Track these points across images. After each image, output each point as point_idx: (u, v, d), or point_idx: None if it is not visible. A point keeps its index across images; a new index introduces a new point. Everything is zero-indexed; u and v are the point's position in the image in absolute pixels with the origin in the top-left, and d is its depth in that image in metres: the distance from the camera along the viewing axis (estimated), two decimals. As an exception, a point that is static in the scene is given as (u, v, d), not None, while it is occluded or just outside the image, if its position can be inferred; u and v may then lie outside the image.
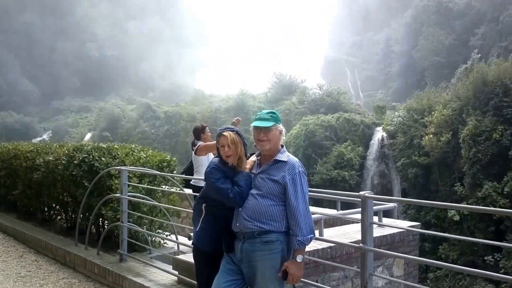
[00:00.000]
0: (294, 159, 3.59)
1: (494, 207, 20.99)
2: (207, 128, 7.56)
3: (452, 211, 22.63)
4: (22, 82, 57.10)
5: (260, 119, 3.54)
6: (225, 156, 3.50)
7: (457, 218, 22.62)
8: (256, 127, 3.53)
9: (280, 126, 3.62)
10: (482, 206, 21.72)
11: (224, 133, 3.53)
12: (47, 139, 44.85)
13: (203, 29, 78.44)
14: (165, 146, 39.69)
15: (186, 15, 77.58)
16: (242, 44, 76.20)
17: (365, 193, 3.28)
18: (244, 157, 3.57)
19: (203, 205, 3.52)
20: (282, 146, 3.69)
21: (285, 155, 3.58)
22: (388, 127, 29.30)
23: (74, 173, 6.53)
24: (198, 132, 7.39)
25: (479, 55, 27.66)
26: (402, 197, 26.46)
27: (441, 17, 47.40)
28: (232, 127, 3.62)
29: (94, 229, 6.71)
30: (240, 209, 3.37)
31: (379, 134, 30.07)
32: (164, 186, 6.38)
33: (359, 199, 3.34)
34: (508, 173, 22.42)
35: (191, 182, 7.02)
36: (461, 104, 25.77)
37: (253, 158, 3.76)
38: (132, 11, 69.64)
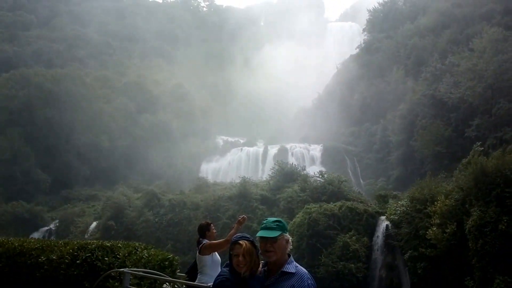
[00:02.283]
0: (303, 271, 3.40)
1: (507, 304, 19.56)
2: (212, 225, 7.35)
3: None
4: (35, 172, 57.84)
5: (266, 228, 3.40)
6: (237, 266, 3.32)
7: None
8: (262, 238, 3.38)
9: (287, 235, 3.48)
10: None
11: (240, 242, 3.38)
12: (53, 228, 44.18)
13: (209, 121, 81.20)
14: (168, 235, 38.77)
15: (194, 108, 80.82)
16: (245, 137, 78.17)
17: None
18: (257, 268, 3.38)
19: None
20: (289, 255, 3.52)
21: (293, 266, 3.40)
22: (392, 217, 28.53)
23: (75, 273, 6.28)
24: (203, 230, 7.15)
25: (482, 148, 27.77)
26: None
27: (436, 110, 48.63)
28: (248, 236, 3.46)
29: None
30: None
31: (383, 224, 29.15)
32: (165, 286, 6.08)
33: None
34: (519, 267, 21.29)
35: (195, 282, 6.63)
36: (463, 194, 25.13)
37: (260, 267, 3.56)
38: (144, 105, 72.73)
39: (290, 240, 3.52)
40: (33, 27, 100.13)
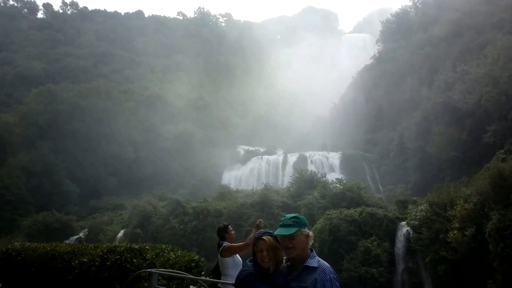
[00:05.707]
0: (325, 264, 3.36)
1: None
2: (229, 226, 7.37)
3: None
4: (65, 183, 59.09)
5: (283, 225, 3.36)
6: (261, 261, 3.30)
7: None
8: (280, 235, 3.36)
9: (306, 230, 3.42)
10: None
11: (264, 238, 3.33)
12: (83, 237, 44.81)
13: (230, 131, 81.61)
14: (192, 242, 38.81)
15: (215, 119, 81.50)
16: (265, 146, 78.11)
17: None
18: (281, 263, 3.36)
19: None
20: (311, 250, 3.49)
21: (315, 261, 3.37)
22: (412, 222, 28.05)
23: (106, 275, 6.37)
24: (222, 232, 7.19)
25: (504, 156, 27.16)
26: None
27: (450, 116, 47.89)
28: (271, 231, 3.43)
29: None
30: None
31: (404, 229, 28.66)
32: (192, 287, 6.11)
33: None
34: (540, 269, 20.61)
35: (218, 285, 6.62)
36: (481, 198, 24.68)
37: (283, 262, 3.55)
38: (166, 117, 73.64)
39: (310, 234, 3.48)
40: (61, 45, 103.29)
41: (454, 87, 48.48)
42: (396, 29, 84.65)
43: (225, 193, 46.59)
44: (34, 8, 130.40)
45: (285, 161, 63.57)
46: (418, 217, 27.45)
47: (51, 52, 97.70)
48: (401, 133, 58.08)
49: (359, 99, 74.59)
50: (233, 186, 52.94)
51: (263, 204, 38.93)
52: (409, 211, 30.30)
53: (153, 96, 78.83)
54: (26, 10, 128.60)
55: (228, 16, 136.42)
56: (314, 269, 3.31)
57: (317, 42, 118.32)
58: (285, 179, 54.02)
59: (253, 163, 66.73)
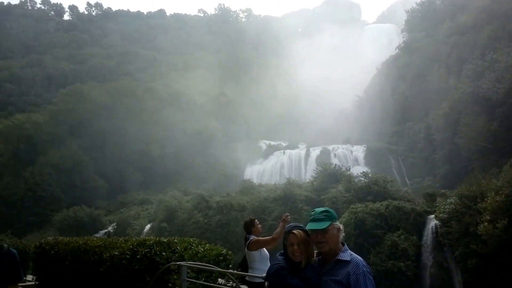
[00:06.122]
0: (358, 258, 3.31)
1: None
2: (256, 221, 7.38)
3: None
4: (93, 179, 60.77)
5: (314, 220, 3.31)
6: (292, 255, 3.27)
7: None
8: (312, 230, 3.31)
9: (337, 224, 3.39)
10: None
11: (294, 231, 3.30)
12: (111, 231, 45.90)
13: (251, 126, 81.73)
14: (217, 235, 39.12)
15: (236, 115, 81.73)
16: (287, 140, 77.74)
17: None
18: (312, 256, 3.33)
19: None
20: (343, 244, 3.45)
21: (348, 254, 3.32)
22: (441, 215, 27.39)
23: (136, 267, 6.48)
24: (248, 226, 7.20)
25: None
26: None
27: (480, 106, 46.45)
28: (301, 225, 3.39)
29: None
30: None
31: (432, 222, 28.01)
32: (220, 280, 6.14)
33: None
34: None
35: (246, 278, 6.65)
36: (513, 190, 23.96)
37: (314, 255, 3.50)
38: (189, 114, 74.40)
39: (341, 227, 3.43)
40: (87, 46, 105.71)
41: (484, 76, 47.06)
42: (422, 18, 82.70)
43: (248, 187, 46.66)
44: (60, 11, 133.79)
45: (307, 155, 63.11)
46: (447, 210, 26.81)
47: (77, 52, 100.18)
48: (429, 125, 56.79)
49: (385, 90, 73.28)
50: (255, 180, 52.96)
51: (287, 198, 38.79)
52: (437, 204, 29.61)
53: (176, 93, 79.77)
54: (53, 12, 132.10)
55: (248, 11, 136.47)
56: (347, 262, 3.26)
57: (339, 34, 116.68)
58: (308, 173, 53.64)
59: (275, 157, 66.54)
